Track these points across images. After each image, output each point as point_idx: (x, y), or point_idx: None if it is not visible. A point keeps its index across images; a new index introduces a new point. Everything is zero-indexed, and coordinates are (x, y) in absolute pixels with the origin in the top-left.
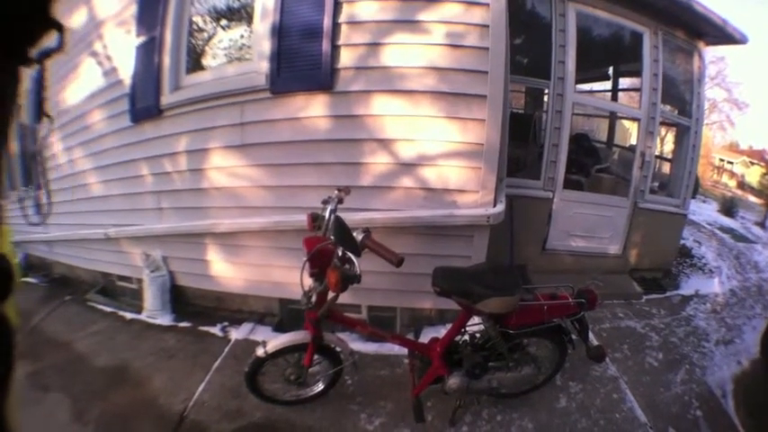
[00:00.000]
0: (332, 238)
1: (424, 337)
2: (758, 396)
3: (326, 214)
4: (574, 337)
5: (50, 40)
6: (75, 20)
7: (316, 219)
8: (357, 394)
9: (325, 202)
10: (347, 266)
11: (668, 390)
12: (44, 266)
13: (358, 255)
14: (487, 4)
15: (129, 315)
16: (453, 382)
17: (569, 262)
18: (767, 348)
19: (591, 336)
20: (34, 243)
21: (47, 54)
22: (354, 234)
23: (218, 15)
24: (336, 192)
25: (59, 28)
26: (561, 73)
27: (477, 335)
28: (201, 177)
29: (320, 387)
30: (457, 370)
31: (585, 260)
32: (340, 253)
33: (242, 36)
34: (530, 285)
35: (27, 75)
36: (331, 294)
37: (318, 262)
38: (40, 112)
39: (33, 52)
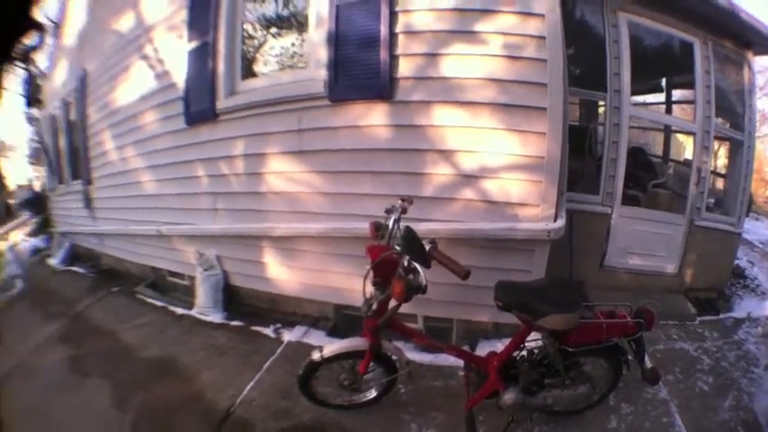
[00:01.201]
0: (396, 247)
1: (480, 351)
2: None
3: (390, 224)
4: (630, 357)
5: (31, 39)
6: (121, 23)
7: (379, 228)
8: (409, 404)
9: (389, 212)
10: (411, 276)
11: (716, 415)
12: (92, 257)
13: (427, 266)
14: (543, 15)
15: (179, 310)
16: (509, 397)
17: (626, 280)
18: None
19: (646, 357)
20: (82, 235)
21: (28, 52)
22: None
23: (268, 23)
24: (400, 202)
25: (40, 28)
26: (617, 85)
27: (535, 351)
28: (259, 181)
29: (373, 394)
30: (513, 385)
31: (642, 278)
32: (405, 263)
33: (292, 44)
34: (589, 303)
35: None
36: (393, 303)
37: (382, 271)
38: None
39: (16, 51)
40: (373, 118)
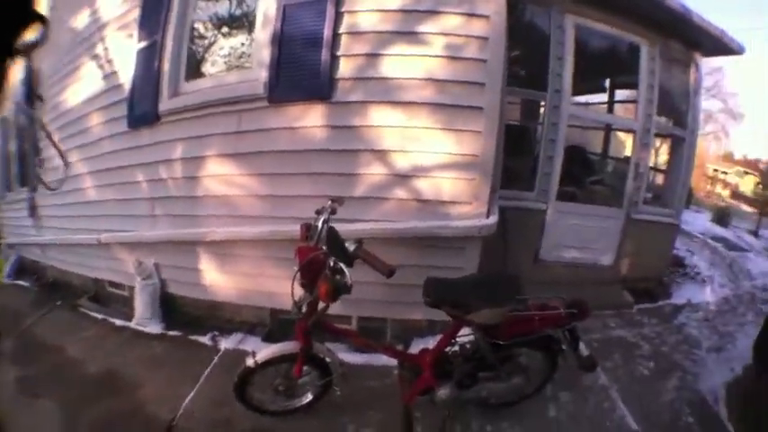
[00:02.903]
0: (324, 248)
1: (414, 348)
2: (750, 401)
3: (319, 224)
4: (564, 347)
5: (34, 32)
6: (77, 21)
7: (309, 229)
8: (346, 405)
9: (319, 213)
10: (338, 277)
11: (660, 397)
12: (37, 270)
13: (350, 265)
14: (488, 17)
15: (118, 322)
16: (443, 392)
17: (562, 273)
18: (760, 354)
19: (582, 346)
20: (27, 246)
21: (32, 46)
22: (347, 244)
23: (219, 23)
24: (330, 202)
25: (43, 21)
26: (558, 85)
27: (468, 345)
28: (197, 185)
29: (309, 398)
30: (446, 381)
31: (578, 271)
32: (332, 263)
33: (242, 44)
34: (523, 296)
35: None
36: (321, 305)
37: (310, 272)
38: (32, 96)
39: (19, 44)
40: (310, 119)
